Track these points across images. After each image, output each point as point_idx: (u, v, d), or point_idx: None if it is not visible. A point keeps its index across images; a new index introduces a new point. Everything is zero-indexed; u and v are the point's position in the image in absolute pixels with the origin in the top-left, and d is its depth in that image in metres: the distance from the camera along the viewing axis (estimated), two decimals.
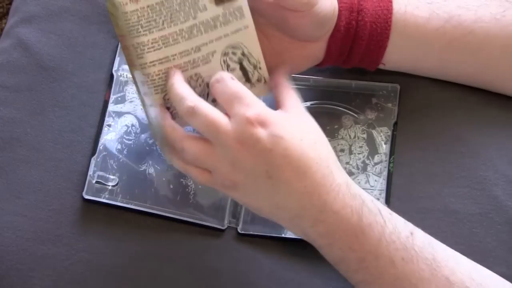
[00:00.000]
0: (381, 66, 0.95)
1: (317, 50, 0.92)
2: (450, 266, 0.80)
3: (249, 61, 0.86)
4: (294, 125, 0.80)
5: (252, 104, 0.79)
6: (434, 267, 0.79)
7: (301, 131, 0.80)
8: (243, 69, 0.87)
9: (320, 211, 0.80)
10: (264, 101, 0.81)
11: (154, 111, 0.84)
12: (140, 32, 0.83)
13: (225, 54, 0.86)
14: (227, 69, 0.86)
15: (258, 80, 0.88)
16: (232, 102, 0.80)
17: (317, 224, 0.80)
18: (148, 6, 0.82)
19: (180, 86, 0.82)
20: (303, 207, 0.80)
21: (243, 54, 0.86)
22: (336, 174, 0.80)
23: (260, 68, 0.87)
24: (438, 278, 0.79)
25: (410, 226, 0.81)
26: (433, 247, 0.81)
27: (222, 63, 0.86)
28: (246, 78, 0.87)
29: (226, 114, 0.80)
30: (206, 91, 0.86)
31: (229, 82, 0.81)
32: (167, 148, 0.84)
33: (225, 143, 0.79)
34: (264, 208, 0.82)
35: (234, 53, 0.86)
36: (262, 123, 0.78)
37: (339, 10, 0.90)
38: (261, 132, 0.78)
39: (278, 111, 0.81)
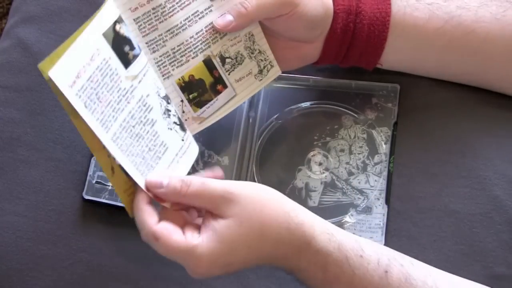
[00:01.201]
0: (378, 66, 0.95)
1: (312, 50, 0.93)
2: None
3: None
4: (224, 251, 0.78)
5: (190, 256, 0.78)
6: None
7: (244, 243, 0.78)
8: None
9: (291, 270, 0.80)
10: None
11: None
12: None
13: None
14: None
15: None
16: (174, 258, 0.79)
17: (293, 273, 0.80)
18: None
19: (140, 214, 0.80)
20: (278, 268, 0.80)
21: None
22: (294, 238, 0.78)
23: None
24: None
25: (384, 264, 0.79)
26: (411, 282, 0.78)
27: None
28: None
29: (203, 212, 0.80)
30: None
31: (161, 242, 0.78)
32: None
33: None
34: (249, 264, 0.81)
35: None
36: (208, 267, 0.78)
37: (336, 12, 0.90)
38: (213, 272, 0.79)
39: (206, 240, 0.78)
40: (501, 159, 0.92)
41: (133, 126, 0.80)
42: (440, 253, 0.89)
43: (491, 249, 0.88)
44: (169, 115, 0.84)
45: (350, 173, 0.94)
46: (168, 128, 0.84)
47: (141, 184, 0.80)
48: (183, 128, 0.85)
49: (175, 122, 0.85)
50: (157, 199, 0.80)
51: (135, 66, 0.81)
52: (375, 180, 0.93)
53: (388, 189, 0.92)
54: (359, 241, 0.80)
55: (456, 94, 0.97)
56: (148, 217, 0.79)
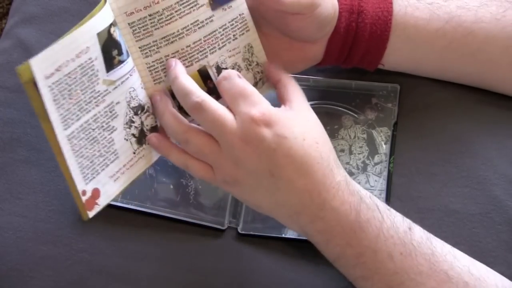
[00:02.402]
0: (380, 67, 0.95)
1: (316, 51, 0.92)
2: (448, 260, 0.80)
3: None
4: (297, 124, 0.80)
5: (257, 103, 0.80)
6: (432, 261, 0.79)
7: (304, 131, 0.80)
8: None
9: (319, 208, 0.80)
10: (268, 97, 0.82)
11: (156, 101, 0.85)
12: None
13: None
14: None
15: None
16: (237, 100, 0.80)
17: (316, 220, 0.80)
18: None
19: (185, 79, 0.82)
20: (303, 205, 0.80)
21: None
22: (335, 172, 0.81)
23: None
24: (437, 273, 0.79)
25: (408, 222, 0.82)
26: (432, 242, 0.81)
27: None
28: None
29: (231, 111, 0.81)
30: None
31: (236, 79, 0.81)
32: (164, 142, 0.84)
33: (230, 140, 0.79)
34: (263, 205, 0.82)
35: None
36: (267, 123, 0.79)
37: (340, 12, 0.90)
38: (265, 132, 0.79)
39: (281, 109, 0.82)
40: (501, 159, 0.92)
41: (93, 130, 0.81)
42: None
43: (491, 249, 0.88)
44: (130, 126, 0.84)
45: (350, 173, 0.94)
46: (125, 139, 0.84)
47: (79, 186, 0.81)
48: (140, 142, 0.86)
49: (133, 134, 0.85)
50: None
51: (116, 72, 0.82)
52: (375, 180, 0.93)
53: (388, 189, 0.92)
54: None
55: (456, 94, 0.97)
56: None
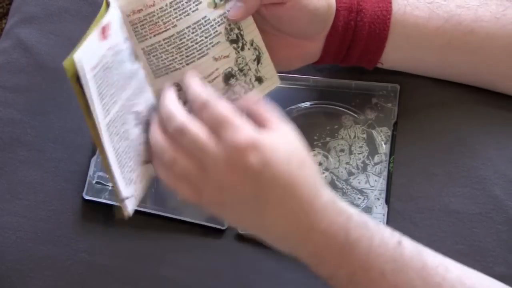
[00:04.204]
0: (379, 65, 0.95)
1: (314, 49, 0.92)
2: (440, 273, 0.79)
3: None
4: (281, 147, 0.78)
5: (239, 128, 0.77)
6: (425, 275, 0.78)
7: (289, 153, 0.78)
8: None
9: (307, 231, 0.78)
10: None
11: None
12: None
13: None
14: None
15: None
16: (219, 127, 0.77)
17: (305, 244, 0.78)
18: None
19: (171, 103, 0.80)
20: (291, 228, 0.78)
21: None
22: (322, 193, 0.79)
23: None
24: (430, 286, 0.78)
25: (397, 236, 0.80)
26: (423, 254, 0.79)
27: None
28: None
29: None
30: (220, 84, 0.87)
31: (213, 106, 0.78)
32: (156, 160, 0.82)
33: (213, 166, 0.77)
34: (251, 228, 0.80)
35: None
36: (251, 148, 0.76)
37: (338, 10, 0.90)
38: (250, 158, 0.76)
39: (265, 133, 0.78)
40: (501, 159, 0.92)
41: (122, 124, 0.81)
42: (440, 253, 0.88)
43: (491, 249, 0.88)
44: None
45: (350, 173, 0.94)
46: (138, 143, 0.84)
47: (123, 193, 0.80)
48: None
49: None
50: None
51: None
52: (375, 180, 0.93)
53: (388, 189, 0.92)
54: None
55: (456, 94, 0.97)
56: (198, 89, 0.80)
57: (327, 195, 0.79)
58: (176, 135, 0.78)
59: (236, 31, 0.87)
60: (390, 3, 0.91)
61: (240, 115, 0.78)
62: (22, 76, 1.00)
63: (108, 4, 0.81)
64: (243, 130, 0.76)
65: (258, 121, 0.79)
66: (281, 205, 0.77)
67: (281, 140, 0.78)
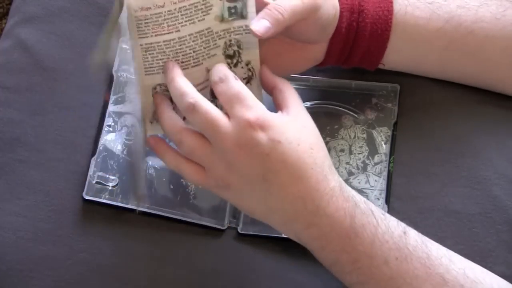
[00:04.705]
0: (380, 66, 0.95)
1: (317, 52, 0.92)
2: (444, 264, 0.80)
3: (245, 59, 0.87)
4: (292, 129, 0.80)
5: (253, 106, 0.79)
6: (428, 265, 0.79)
7: (299, 136, 0.80)
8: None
9: (313, 214, 0.79)
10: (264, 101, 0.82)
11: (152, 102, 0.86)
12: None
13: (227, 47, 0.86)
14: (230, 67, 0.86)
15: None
16: (233, 102, 0.80)
17: (310, 227, 0.80)
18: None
19: (181, 81, 0.82)
20: (297, 211, 0.80)
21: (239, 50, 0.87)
22: (330, 178, 0.80)
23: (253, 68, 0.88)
24: (433, 276, 0.79)
25: (402, 226, 0.81)
26: (427, 245, 0.81)
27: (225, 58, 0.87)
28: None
29: (226, 113, 0.80)
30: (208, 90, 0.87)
31: (232, 82, 0.81)
32: (160, 144, 0.84)
33: (223, 143, 0.79)
34: (257, 210, 0.82)
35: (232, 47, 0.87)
36: (262, 127, 0.78)
37: (340, 11, 0.90)
38: (260, 136, 0.78)
39: (277, 114, 0.81)
40: (501, 159, 0.92)
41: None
42: None
43: (491, 249, 0.88)
44: None
45: (350, 173, 0.94)
46: None
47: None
48: None
49: None
50: None
51: None
52: (375, 180, 0.93)
53: (388, 189, 0.92)
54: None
55: (456, 94, 0.97)
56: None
57: (335, 181, 0.81)
58: (188, 111, 0.80)
59: (235, 48, 0.87)
60: (392, 3, 0.91)
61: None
62: (22, 76, 1.00)
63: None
64: (255, 108, 0.79)
65: (277, 102, 0.82)
66: (288, 187, 0.79)
67: (293, 123, 0.80)
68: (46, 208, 0.93)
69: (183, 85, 0.82)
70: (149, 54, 0.85)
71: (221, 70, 0.82)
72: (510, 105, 0.95)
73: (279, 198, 0.79)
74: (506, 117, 0.95)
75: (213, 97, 0.85)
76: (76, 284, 0.89)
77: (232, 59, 0.87)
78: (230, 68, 0.86)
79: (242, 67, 0.87)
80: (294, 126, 0.80)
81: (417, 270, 0.79)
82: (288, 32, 0.88)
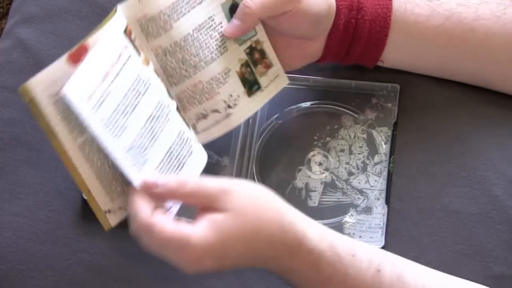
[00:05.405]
0: (379, 64, 0.95)
1: (315, 48, 0.92)
2: None
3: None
4: (230, 238, 0.77)
5: (183, 246, 0.76)
6: None
7: (239, 232, 0.77)
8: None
9: (283, 273, 0.79)
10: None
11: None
12: None
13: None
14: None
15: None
16: (167, 251, 0.77)
17: (286, 278, 0.80)
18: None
19: (135, 203, 0.78)
20: (277, 270, 0.79)
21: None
22: (287, 238, 0.77)
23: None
24: None
25: (376, 263, 0.79)
26: (404, 280, 0.78)
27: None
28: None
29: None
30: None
31: (152, 233, 0.76)
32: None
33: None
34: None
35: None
36: (201, 259, 0.76)
37: (339, 8, 0.90)
38: (206, 265, 0.76)
39: (203, 232, 0.76)
40: (501, 159, 0.92)
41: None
42: (440, 253, 0.89)
43: (491, 249, 0.88)
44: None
45: (350, 173, 0.94)
46: None
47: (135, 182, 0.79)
48: None
49: None
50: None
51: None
52: (375, 180, 0.93)
53: (388, 189, 0.92)
54: (350, 241, 0.80)
55: (456, 93, 0.97)
56: (143, 208, 0.77)
57: (292, 237, 0.78)
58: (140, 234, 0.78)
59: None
60: (391, 0, 0.92)
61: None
62: (22, 76, 0.99)
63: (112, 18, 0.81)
64: (185, 248, 0.76)
65: (205, 203, 0.77)
66: (262, 263, 0.79)
67: (226, 226, 0.77)
68: (46, 208, 0.93)
69: (137, 209, 0.78)
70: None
71: (140, 221, 0.77)
72: (510, 105, 0.95)
73: (261, 265, 0.79)
74: (506, 117, 0.95)
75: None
76: (76, 284, 0.89)
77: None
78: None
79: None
80: (230, 228, 0.77)
81: None
82: (279, 27, 0.88)
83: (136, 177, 0.78)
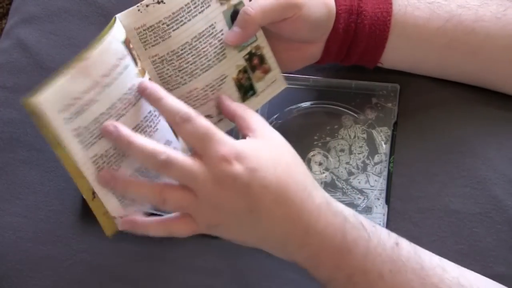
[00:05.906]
0: (379, 65, 0.95)
1: (315, 51, 0.93)
2: (438, 273, 0.79)
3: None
4: (266, 154, 0.78)
5: (223, 141, 0.77)
6: (422, 276, 0.78)
7: (274, 159, 0.78)
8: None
9: (303, 234, 0.78)
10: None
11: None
12: None
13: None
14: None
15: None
16: (203, 142, 0.77)
17: (302, 247, 0.79)
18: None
19: (141, 142, 0.78)
20: (287, 234, 0.78)
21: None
22: (314, 195, 0.79)
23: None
24: (428, 287, 0.78)
25: (394, 237, 0.80)
26: (420, 256, 0.80)
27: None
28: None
29: (195, 152, 0.78)
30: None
31: (197, 121, 0.78)
32: (138, 222, 0.82)
33: (204, 187, 0.77)
34: (249, 241, 0.81)
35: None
36: (237, 158, 0.76)
37: (338, 13, 0.90)
38: (237, 168, 0.76)
39: (248, 141, 0.79)
40: (501, 159, 0.92)
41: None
42: (440, 253, 0.88)
43: (491, 249, 0.88)
44: None
45: (350, 173, 0.94)
46: None
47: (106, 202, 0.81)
48: None
49: None
50: None
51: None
52: (375, 180, 0.93)
53: (388, 189, 0.92)
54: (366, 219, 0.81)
55: (457, 94, 0.97)
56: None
57: (320, 197, 0.79)
58: (162, 169, 0.77)
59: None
60: (391, 4, 0.91)
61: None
62: (22, 76, 1.00)
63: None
64: (226, 142, 0.77)
65: (242, 129, 0.81)
66: (274, 212, 0.78)
67: (264, 147, 0.79)
68: (46, 208, 0.93)
69: (147, 145, 0.78)
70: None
71: (181, 109, 0.78)
72: (510, 105, 0.95)
73: (268, 226, 0.78)
74: (506, 117, 0.95)
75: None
76: (76, 284, 0.89)
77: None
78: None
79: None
80: (267, 149, 0.79)
81: (412, 281, 0.78)
82: (279, 32, 0.88)
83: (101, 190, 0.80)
